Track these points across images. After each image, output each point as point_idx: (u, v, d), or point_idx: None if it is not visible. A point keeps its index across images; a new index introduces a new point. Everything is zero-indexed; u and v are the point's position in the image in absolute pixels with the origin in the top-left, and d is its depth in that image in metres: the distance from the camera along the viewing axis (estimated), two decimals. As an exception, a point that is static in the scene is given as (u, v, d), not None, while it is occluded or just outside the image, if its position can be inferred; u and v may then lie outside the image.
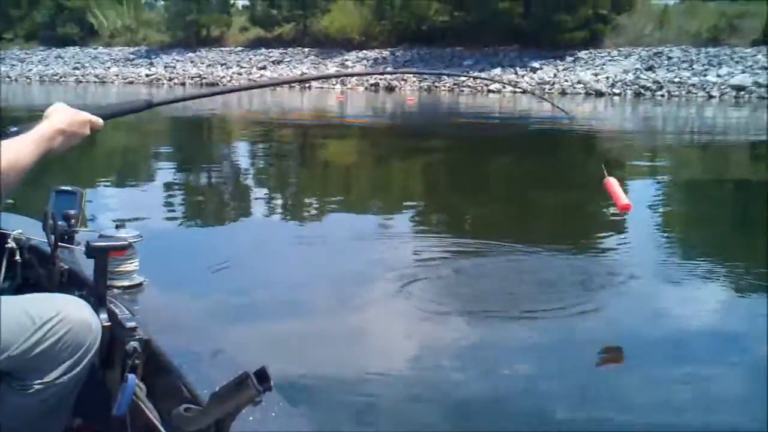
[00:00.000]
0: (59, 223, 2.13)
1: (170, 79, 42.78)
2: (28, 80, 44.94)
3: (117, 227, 2.10)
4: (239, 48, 45.96)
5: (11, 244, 2.27)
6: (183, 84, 41.17)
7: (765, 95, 28.16)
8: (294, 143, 15.78)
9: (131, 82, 42.68)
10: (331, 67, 40.84)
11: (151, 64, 46.41)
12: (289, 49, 44.45)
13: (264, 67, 42.54)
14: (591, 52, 35.71)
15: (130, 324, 1.78)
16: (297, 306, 4.34)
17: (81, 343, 1.64)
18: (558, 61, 35.60)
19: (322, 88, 38.04)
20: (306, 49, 44.06)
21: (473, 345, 3.84)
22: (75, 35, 51.12)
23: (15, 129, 1.59)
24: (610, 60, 34.62)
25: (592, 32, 36.14)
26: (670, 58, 33.28)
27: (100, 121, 1.72)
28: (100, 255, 1.89)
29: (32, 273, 2.33)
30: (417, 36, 41.67)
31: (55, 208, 2.21)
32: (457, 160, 12.62)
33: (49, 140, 1.56)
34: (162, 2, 59.30)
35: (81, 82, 43.72)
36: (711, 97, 29.16)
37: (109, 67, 46.60)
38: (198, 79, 41.76)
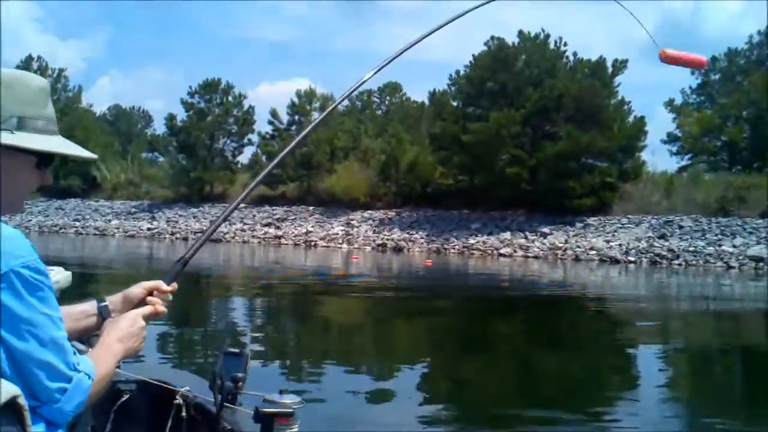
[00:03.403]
0: (226, 383, 2.24)
1: (172, 234, 42.35)
2: (27, 231, 44.34)
3: (281, 392, 2.20)
4: (243, 205, 45.72)
5: (179, 400, 2.42)
6: (185, 239, 40.66)
7: (787, 267, 27.84)
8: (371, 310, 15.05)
9: (132, 236, 42.18)
10: (336, 226, 40.64)
11: (153, 218, 46.16)
12: (293, 207, 44.45)
13: (268, 224, 42.29)
14: (600, 219, 35.67)
15: None
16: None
17: None
18: (568, 227, 35.48)
19: (328, 246, 37.59)
20: (310, 208, 44.08)
21: None
22: (77, 187, 51.13)
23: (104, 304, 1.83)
24: (620, 227, 34.50)
25: (600, 199, 36.28)
26: (681, 226, 33.19)
27: (160, 309, 1.80)
28: (267, 421, 2.04)
29: (196, 430, 2.42)
30: (422, 198, 41.85)
31: (223, 369, 2.28)
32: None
33: (120, 357, 1.67)
34: (164, 158, 60.29)
35: (81, 234, 43.21)
36: (730, 267, 28.72)
37: (110, 220, 46.27)
38: (200, 234, 41.10)
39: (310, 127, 2.85)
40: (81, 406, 1.51)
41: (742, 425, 6.37)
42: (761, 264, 28.58)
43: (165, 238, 41.71)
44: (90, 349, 1.69)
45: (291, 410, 2.11)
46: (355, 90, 2.46)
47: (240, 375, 2.35)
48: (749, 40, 54.18)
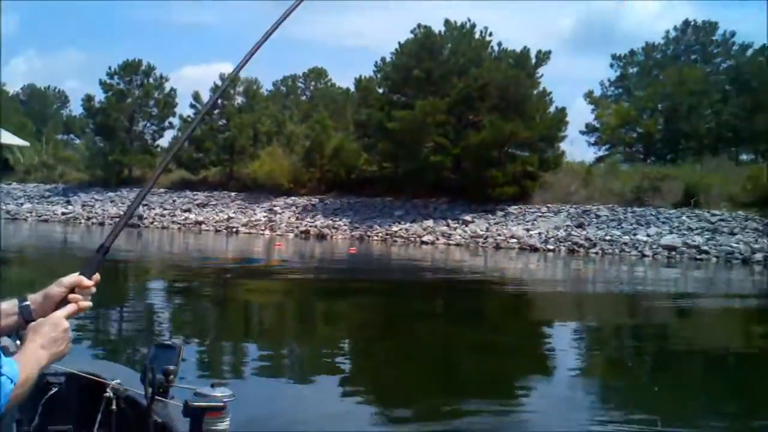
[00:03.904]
0: (157, 376, 2.17)
1: (88, 219, 41.16)
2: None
3: (212, 386, 2.13)
4: (162, 189, 44.80)
5: (109, 393, 2.39)
6: (102, 224, 39.56)
7: (696, 256, 28.87)
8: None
9: (46, 220, 40.81)
10: (259, 212, 40.21)
11: (68, 202, 44.75)
12: (215, 192, 43.79)
13: (188, 210, 41.53)
14: (521, 208, 36.28)
15: None
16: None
17: None
18: (489, 215, 35.97)
19: (250, 233, 37.16)
20: (232, 193, 43.50)
21: None
22: (-13, 170, 49.09)
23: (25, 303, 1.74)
24: (540, 216, 35.17)
25: (521, 188, 36.87)
26: (598, 216, 34.04)
27: (84, 305, 1.73)
28: (197, 415, 2.00)
29: (126, 423, 2.38)
30: (346, 185, 41.75)
31: (154, 361, 2.22)
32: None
33: (45, 363, 1.64)
34: (80, 141, 58.49)
35: (-10, 217, 41.52)
36: (644, 256, 29.62)
37: (22, 204, 44.60)
38: (117, 219, 39.93)
39: (212, 99, 2.74)
40: (1, 409, 1.49)
41: (647, 406, 6.56)
42: (674, 253, 29.59)
43: (80, 223, 40.50)
44: (18, 345, 1.68)
45: (221, 404, 2.07)
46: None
47: (171, 368, 2.29)
48: (666, 35, 56.02)
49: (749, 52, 50.27)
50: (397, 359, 8.58)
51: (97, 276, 1.78)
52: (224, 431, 2.10)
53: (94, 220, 40.74)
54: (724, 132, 46.22)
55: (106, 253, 1.80)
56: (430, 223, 36.05)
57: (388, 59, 41.98)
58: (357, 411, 6.09)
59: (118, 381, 2.43)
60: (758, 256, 28.65)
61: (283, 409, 5.92)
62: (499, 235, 33.61)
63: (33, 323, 1.70)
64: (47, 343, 1.65)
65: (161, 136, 51.87)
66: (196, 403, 2.03)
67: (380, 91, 42.26)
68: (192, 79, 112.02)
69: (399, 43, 41.11)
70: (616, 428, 5.57)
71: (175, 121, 50.92)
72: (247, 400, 5.51)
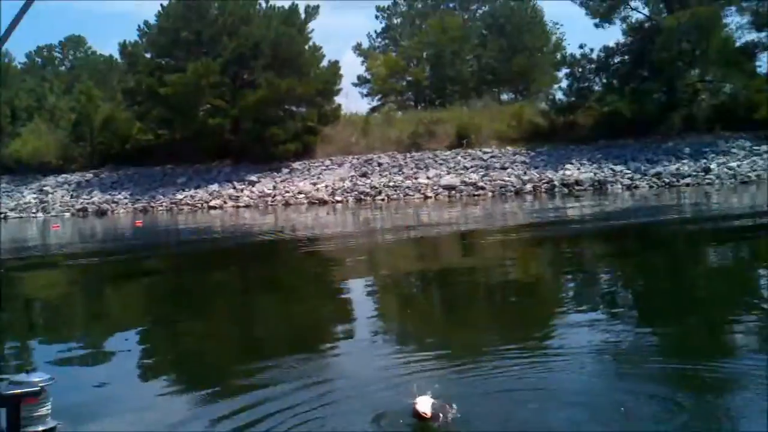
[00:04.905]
0: None
1: None
2: None
3: (27, 372, 2.09)
4: None
5: None
6: None
7: (474, 192, 30.72)
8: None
9: None
10: (28, 194, 37.41)
11: None
12: (-27, 177, 40.11)
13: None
14: (305, 163, 36.57)
15: None
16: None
17: None
18: (275, 173, 35.94)
19: (20, 217, 34.54)
20: (-6, 177, 40.07)
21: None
22: None
23: None
24: (325, 169, 35.67)
25: (303, 144, 37.11)
26: (380, 164, 35.11)
27: None
28: (12, 403, 1.91)
29: None
30: (122, 156, 39.80)
31: None
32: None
33: None
34: None
35: None
36: (427, 197, 31.08)
37: None
38: None
39: None
40: None
41: (447, 338, 6.61)
42: (453, 192, 31.30)
43: None
44: None
45: (38, 388, 2.02)
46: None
47: None
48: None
49: (502, -2, 53.54)
50: (201, 331, 8.19)
51: None
52: (45, 416, 2.04)
53: None
54: (486, 75, 49.15)
55: None
56: (215, 187, 35.43)
57: (152, 22, 40.20)
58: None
59: None
60: (528, 186, 31.05)
61: (100, 393, 5.54)
62: (287, 192, 33.75)
63: None
64: None
65: None
66: (9, 392, 1.96)
67: (147, 56, 40.42)
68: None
69: (161, 5, 39.49)
70: (421, 365, 5.64)
71: None
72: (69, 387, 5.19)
